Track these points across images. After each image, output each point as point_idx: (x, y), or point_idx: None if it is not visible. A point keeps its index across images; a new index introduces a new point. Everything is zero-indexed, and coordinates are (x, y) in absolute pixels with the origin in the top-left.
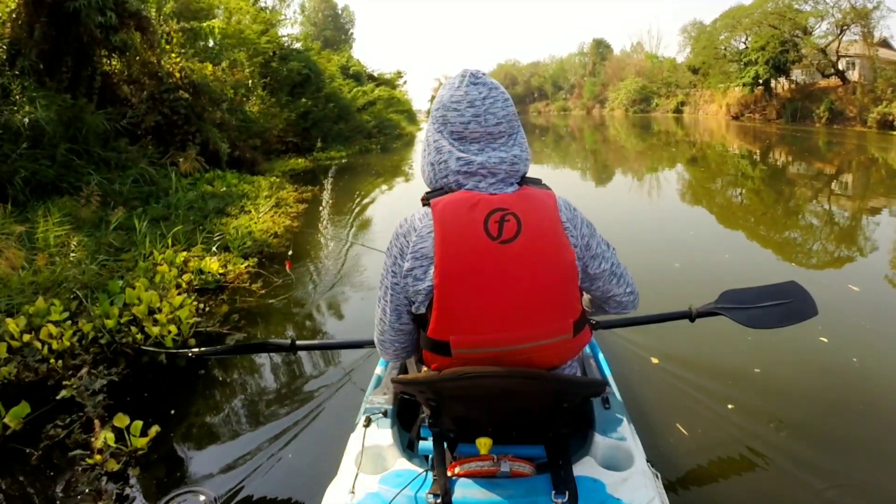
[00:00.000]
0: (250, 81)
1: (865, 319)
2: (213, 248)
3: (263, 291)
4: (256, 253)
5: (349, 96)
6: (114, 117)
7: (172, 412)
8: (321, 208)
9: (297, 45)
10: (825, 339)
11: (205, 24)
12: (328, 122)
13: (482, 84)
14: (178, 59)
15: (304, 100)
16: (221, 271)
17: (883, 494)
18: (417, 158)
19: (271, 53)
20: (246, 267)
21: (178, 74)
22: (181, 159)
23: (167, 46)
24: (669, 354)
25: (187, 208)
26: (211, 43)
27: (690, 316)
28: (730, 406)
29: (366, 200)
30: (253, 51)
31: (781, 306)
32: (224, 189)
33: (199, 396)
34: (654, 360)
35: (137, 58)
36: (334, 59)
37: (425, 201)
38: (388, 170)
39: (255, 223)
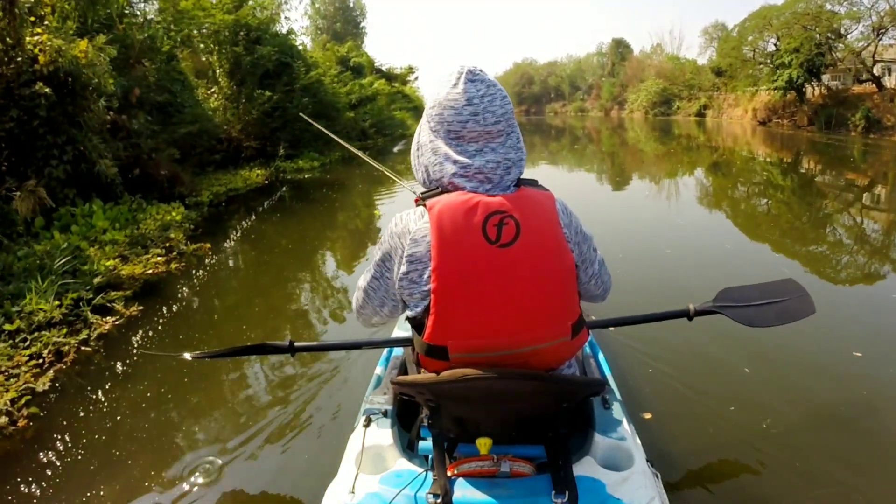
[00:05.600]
0: (215, 68)
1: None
2: None
3: None
4: None
5: (341, 90)
6: None
7: (172, 413)
8: (155, 324)
9: (283, 29)
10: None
11: None
12: (302, 122)
13: (480, 81)
14: (47, 38)
15: (268, 93)
16: None
17: (881, 499)
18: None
19: (227, 34)
20: None
21: (42, 59)
22: (18, 194)
23: (32, 18)
24: (669, 354)
25: None
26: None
27: (689, 314)
28: (730, 406)
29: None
30: (207, 30)
31: (779, 304)
32: (67, 244)
33: (198, 398)
34: (654, 360)
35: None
36: (334, 48)
37: (420, 202)
38: (363, 195)
39: None
